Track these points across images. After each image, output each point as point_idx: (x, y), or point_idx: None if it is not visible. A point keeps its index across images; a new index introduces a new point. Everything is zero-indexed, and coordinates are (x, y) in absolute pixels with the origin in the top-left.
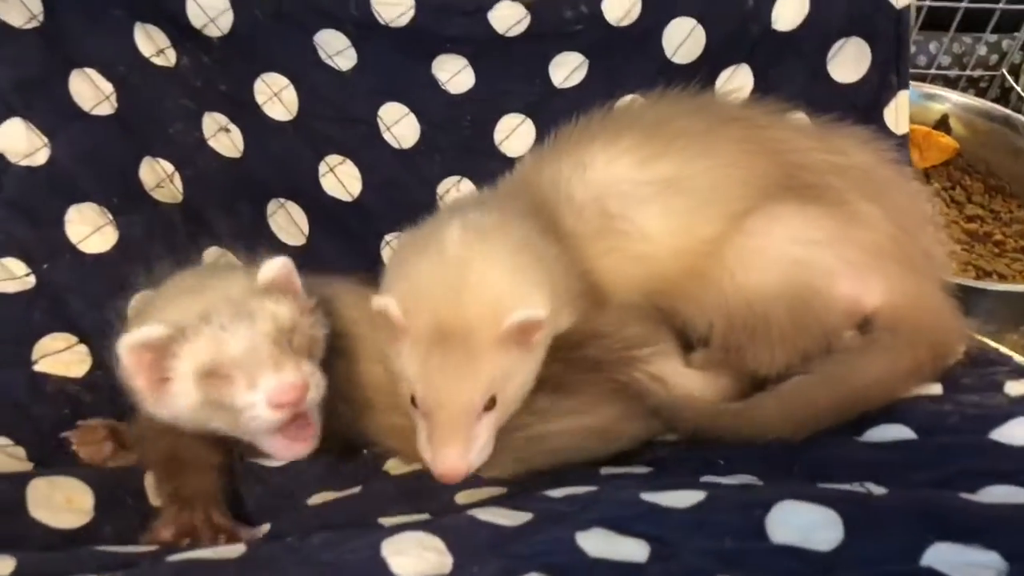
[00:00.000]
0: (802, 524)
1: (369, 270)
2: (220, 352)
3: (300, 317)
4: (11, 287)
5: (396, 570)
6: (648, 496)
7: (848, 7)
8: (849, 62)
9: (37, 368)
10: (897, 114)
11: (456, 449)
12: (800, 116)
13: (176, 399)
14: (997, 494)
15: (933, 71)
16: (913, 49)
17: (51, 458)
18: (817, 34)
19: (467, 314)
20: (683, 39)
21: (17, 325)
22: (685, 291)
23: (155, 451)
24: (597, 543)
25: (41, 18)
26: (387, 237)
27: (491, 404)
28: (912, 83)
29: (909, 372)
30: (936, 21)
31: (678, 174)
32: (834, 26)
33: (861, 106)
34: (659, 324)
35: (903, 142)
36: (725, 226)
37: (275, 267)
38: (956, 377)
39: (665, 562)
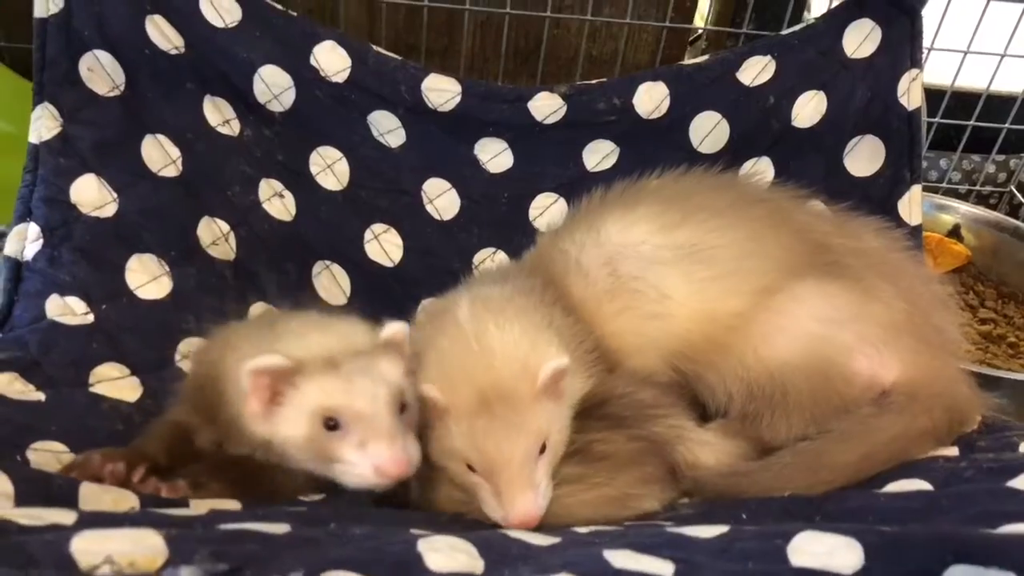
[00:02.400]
0: (822, 550)
1: None
2: (343, 402)
3: (407, 384)
4: (71, 320)
5: (430, 564)
6: (673, 529)
7: (863, 108)
8: (864, 157)
9: (93, 389)
10: (910, 206)
11: (528, 494)
12: (817, 204)
13: (282, 425)
14: (1015, 530)
15: (944, 185)
16: (925, 164)
17: None
18: (834, 131)
19: (503, 378)
20: (708, 131)
21: (76, 352)
22: (705, 358)
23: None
24: (624, 559)
25: (123, 88)
26: (424, 302)
27: (542, 450)
28: (924, 194)
29: (924, 432)
30: (946, 141)
31: (699, 243)
32: (850, 124)
33: (876, 198)
34: (672, 390)
35: (916, 232)
36: (750, 301)
37: (398, 330)
38: (972, 440)
39: None
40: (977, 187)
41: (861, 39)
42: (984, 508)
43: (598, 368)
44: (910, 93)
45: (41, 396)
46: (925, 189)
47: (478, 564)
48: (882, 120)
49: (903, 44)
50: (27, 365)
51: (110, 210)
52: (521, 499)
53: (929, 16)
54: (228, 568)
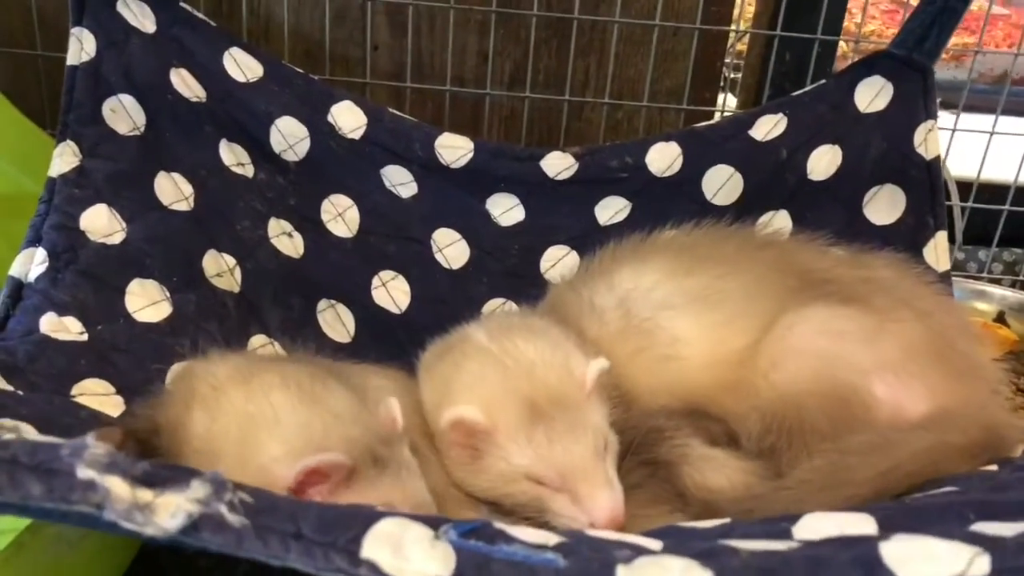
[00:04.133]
0: (830, 525)
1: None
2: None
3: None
4: (63, 336)
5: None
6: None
7: (880, 159)
8: (884, 206)
9: (75, 400)
10: (937, 253)
11: (608, 491)
12: (836, 250)
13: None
14: None
15: (987, 276)
16: (963, 256)
17: None
18: (852, 182)
19: (550, 384)
20: (722, 183)
21: (63, 365)
22: (719, 401)
23: None
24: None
25: (143, 129)
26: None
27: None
28: (962, 279)
29: (957, 449)
30: (984, 235)
31: (708, 290)
32: (867, 175)
33: (901, 246)
34: (685, 414)
35: (946, 279)
36: (757, 337)
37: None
38: (1017, 462)
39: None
40: (1021, 277)
41: (873, 95)
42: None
43: (615, 402)
44: (927, 143)
45: (19, 392)
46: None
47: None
48: (900, 169)
49: (916, 98)
50: (11, 369)
51: (118, 238)
52: (603, 496)
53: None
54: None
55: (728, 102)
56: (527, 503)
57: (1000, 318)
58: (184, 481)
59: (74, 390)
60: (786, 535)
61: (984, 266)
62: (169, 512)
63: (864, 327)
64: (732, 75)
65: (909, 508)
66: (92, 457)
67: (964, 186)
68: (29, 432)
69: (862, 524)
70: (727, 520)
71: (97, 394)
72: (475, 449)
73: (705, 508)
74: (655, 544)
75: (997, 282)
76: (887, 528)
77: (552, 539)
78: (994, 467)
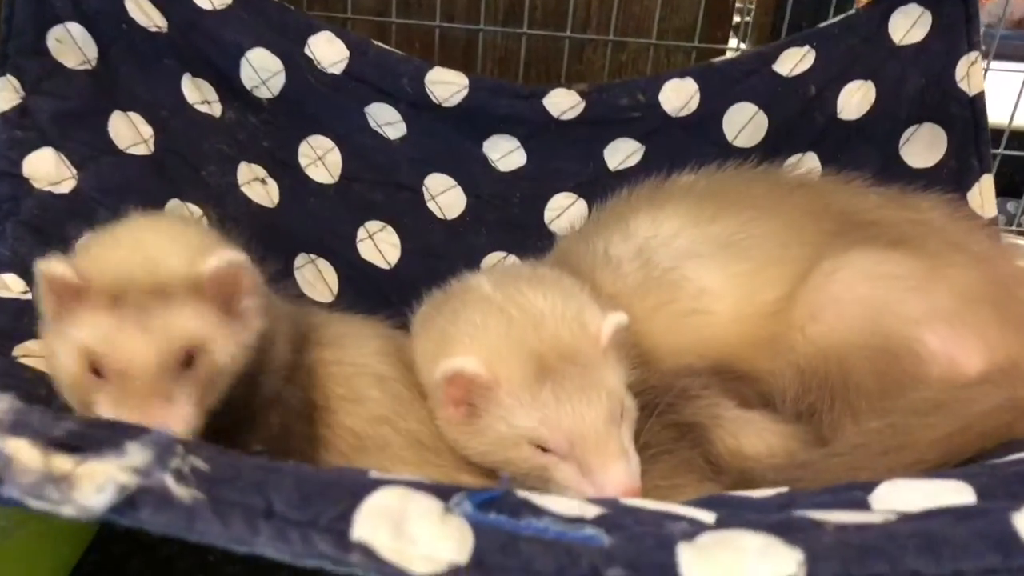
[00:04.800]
0: (918, 496)
1: None
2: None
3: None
4: (4, 294)
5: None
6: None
7: (918, 95)
8: (923, 147)
9: (18, 360)
10: (982, 198)
11: (622, 463)
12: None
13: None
14: None
15: (1015, 229)
16: None
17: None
18: (886, 121)
19: (561, 337)
20: (744, 123)
21: (3, 323)
22: (751, 358)
23: None
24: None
25: (94, 63)
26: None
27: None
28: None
29: None
30: (1012, 187)
31: (736, 237)
32: (904, 113)
33: (942, 190)
34: (712, 375)
35: (992, 225)
36: (790, 287)
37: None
38: None
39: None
40: None
41: (909, 25)
42: None
43: (633, 362)
44: (970, 77)
45: None
46: None
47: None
48: (940, 107)
49: (957, 27)
50: None
51: (67, 186)
52: (616, 468)
53: None
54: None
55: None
56: (528, 472)
57: None
58: (117, 444)
59: (16, 351)
60: (863, 505)
61: (1014, 219)
62: (95, 485)
63: (914, 272)
64: (746, 17)
65: (1007, 475)
66: None
67: (994, 133)
68: None
69: (960, 493)
70: (783, 489)
71: (42, 356)
72: (472, 406)
73: (741, 477)
74: (707, 515)
75: None
76: (989, 496)
77: (589, 510)
78: None
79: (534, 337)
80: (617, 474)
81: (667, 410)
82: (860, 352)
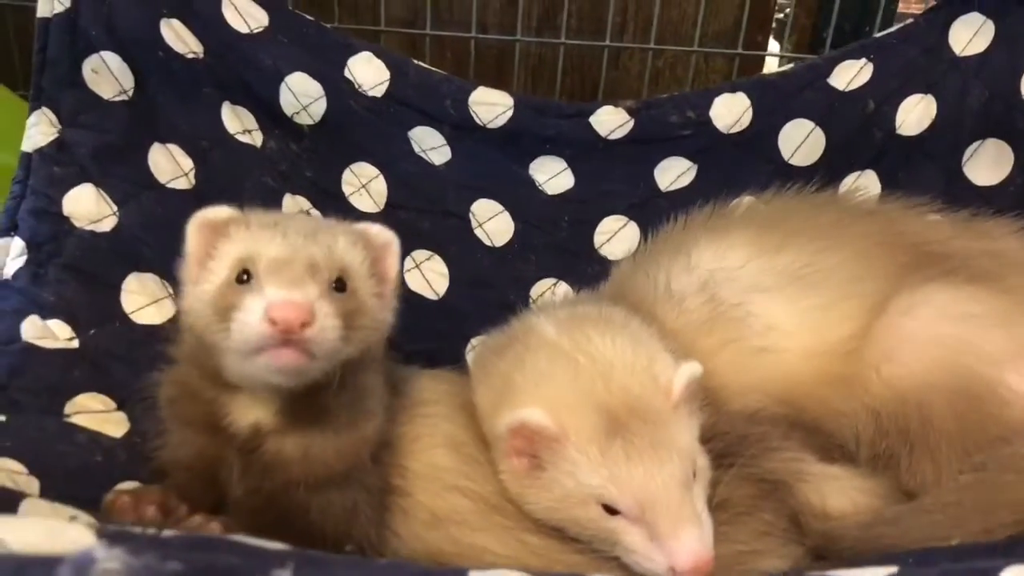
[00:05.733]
0: None
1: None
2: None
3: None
4: (50, 344)
5: None
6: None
7: (981, 109)
8: (988, 164)
9: (69, 420)
10: None
11: (696, 528)
12: (934, 214)
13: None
14: None
15: None
16: None
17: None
18: (948, 137)
19: (631, 390)
20: (801, 141)
21: (53, 378)
22: (822, 399)
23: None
24: None
25: (131, 93)
26: (473, 341)
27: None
28: None
29: None
30: None
31: (804, 268)
32: (967, 128)
33: (1008, 209)
34: (785, 423)
35: None
36: (863, 323)
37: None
38: None
39: None
40: None
41: (971, 35)
42: None
43: (702, 404)
44: None
45: (1, 417)
46: None
47: None
48: (1005, 121)
49: (1022, 37)
50: None
51: (108, 224)
52: (689, 536)
53: None
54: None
55: (776, 47)
56: (595, 534)
57: None
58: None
59: (68, 408)
60: None
61: None
62: None
63: (995, 309)
64: (785, 15)
65: None
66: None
67: None
68: (15, 470)
69: None
70: (893, 570)
71: (95, 411)
72: (537, 459)
73: (824, 537)
74: None
75: None
76: None
77: None
78: None
79: (603, 389)
80: (689, 541)
81: (747, 463)
82: (939, 394)
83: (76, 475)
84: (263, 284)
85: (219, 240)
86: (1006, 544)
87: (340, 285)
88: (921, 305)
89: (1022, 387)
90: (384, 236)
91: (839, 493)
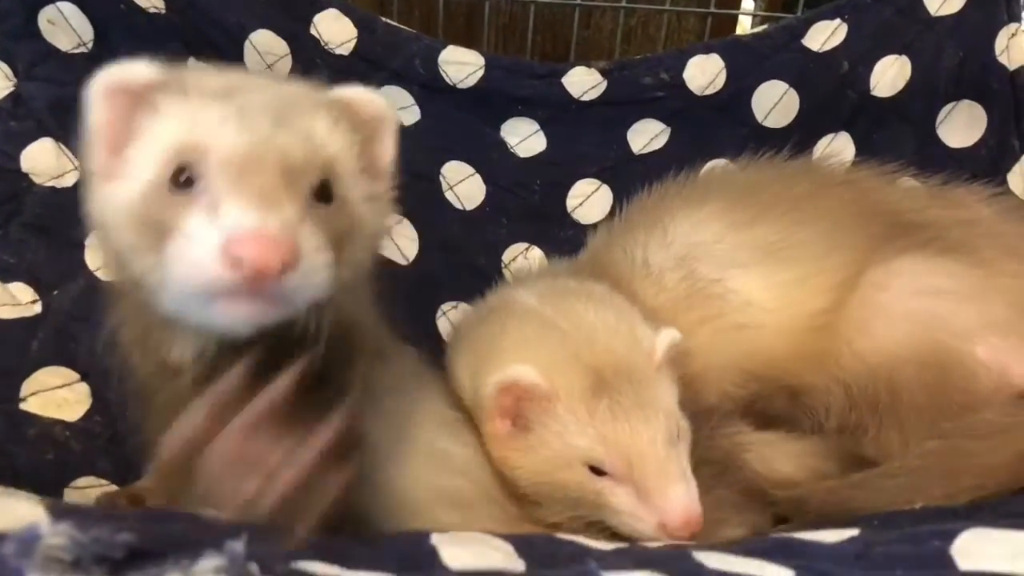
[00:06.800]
0: (1002, 551)
1: (422, 343)
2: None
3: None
4: (10, 313)
5: (447, 560)
6: (779, 535)
7: (955, 70)
8: (961, 126)
9: (23, 407)
10: None
11: (683, 485)
12: (908, 180)
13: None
14: None
15: None
16: None
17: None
18: (923, 98)
19: (617, 352)
20: (775, 103)
21: (10, 357)
22: (796, 373)
23: None
24: (721, 562)
25: (90, 45)
26: (444, 307)
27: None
28: None
29: None
30: None
31: (779, 242)
32: (941, 90)
33: (981, 171)
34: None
35: None
36: (837, 296)
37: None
38: None
39: None
40: None
41: None
42: None
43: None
44: (1010, 51)
45: None
46: None
47: (515, 565)
48: (979, 82)
49: None
50: None
51: (70, 179)
52: (677, 491)
53: None
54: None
55: (749, 4)
56: (581, 497)
57: None
58: (192, 552)
59: (23, 390)
60: (944, 563)
61: None
62: None
63: (966, 283)
64: None
65: None
66: (48, 552)
67: None
68: None
69: None
70: (855, 532)
71: (54, 387)
72: (523, 419)
73: (791, 503)
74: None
75: None
76: None
77: None
78: None
79: (589, 351)
80: (678, 498)
81: (701, 445)
82: (910, 367)
83: (24, 475)
84: (218, 198)
85: (141, 113)
86: (967, 508)
87: (324, 192)
88: (894, 278)
89: (990, 360)
90: (375, 106)
91: (783, 458)
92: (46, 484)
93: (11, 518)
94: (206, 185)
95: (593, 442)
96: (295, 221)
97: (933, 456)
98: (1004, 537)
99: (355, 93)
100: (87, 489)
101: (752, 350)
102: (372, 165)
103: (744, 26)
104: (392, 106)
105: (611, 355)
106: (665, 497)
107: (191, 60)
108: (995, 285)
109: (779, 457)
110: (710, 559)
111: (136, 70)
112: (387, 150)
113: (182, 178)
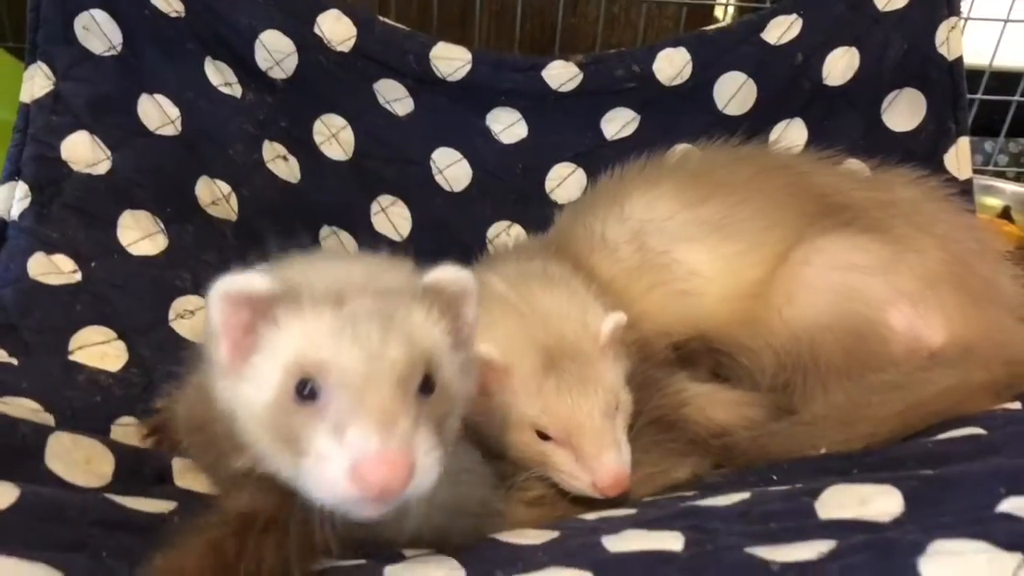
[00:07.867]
0: (854, 501)
1: None
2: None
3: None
4: (56, 280)
5: None
6: (689, 503)
7: (900, 60)
8: (904, 111)
9: (72, 358)
10: (958, 159)
11: (613, 452)
12: (852, 163)
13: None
14: None
15: (992, 169)
16: None
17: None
18: (870, 87)
19: (565, 335)
20: (734, 92)
21: (57, 317)
22: (734, 336)
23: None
24: (625, 542)
25: (119, 48)
26: None
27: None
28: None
29: (981, 386)
30: (990, 125)
31: (724, 219)
32: (886, 79)
33: (920, 153)
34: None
35: (967, 187)
36: (772, 267)
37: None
38: None
39: (700, 547)
40: None
41: None
42: None
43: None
44: (950, 42)
45: (14, 361)
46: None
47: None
48: (921, 71)
49: None
50: (5, 329)
51: (103, 167)
52: (607, 456)
53: None
54: None
55: None
56: (529, 455)
57: (1006, 213)
58: None
59: (71, 344)
60: (809, 514)
61: (990, 158)
62: None
63: (881, 258)
64: None
65: (935, 478)
66: None
67: (973, 75)
68: (35, 407)
69: (889, 500)
70: (746, 495)
71: (97, 343)
72: (485, 388)
73: (722, 450)
74: (676, 542)
75: (1001, 175)
76: (915, 504)
77: None
78: (1017, 404)
79: (542, 334)
80: (609, 461)
81: (650, 406)
82: (830, 334)
83: (79, 414)
84: (343, 419)
85: (263, 323)
86: (860, 453)
87: (428, 384)
88: (816, 254)
89: (900, 326)
90: (461, 284)
91: (719, 407)
92: (96, 421)
93: None
94: (327, 400)
95: (539, 412)
96: (411, 433)
97: (836, 407)
98: (857, 490)
99: (443, 275)
100: (128, 427)
101: (695, 314)
102: (458, 337)
103: (719, 14)
104: (472, 277)
105: (560, 338)
106: (598, 460)
107: (207, 58)
108: (905, 259)
109: (716, 407)
110: (615, 542)
111: (255, 284)
112: (471, 319)
113: (305, 391)
